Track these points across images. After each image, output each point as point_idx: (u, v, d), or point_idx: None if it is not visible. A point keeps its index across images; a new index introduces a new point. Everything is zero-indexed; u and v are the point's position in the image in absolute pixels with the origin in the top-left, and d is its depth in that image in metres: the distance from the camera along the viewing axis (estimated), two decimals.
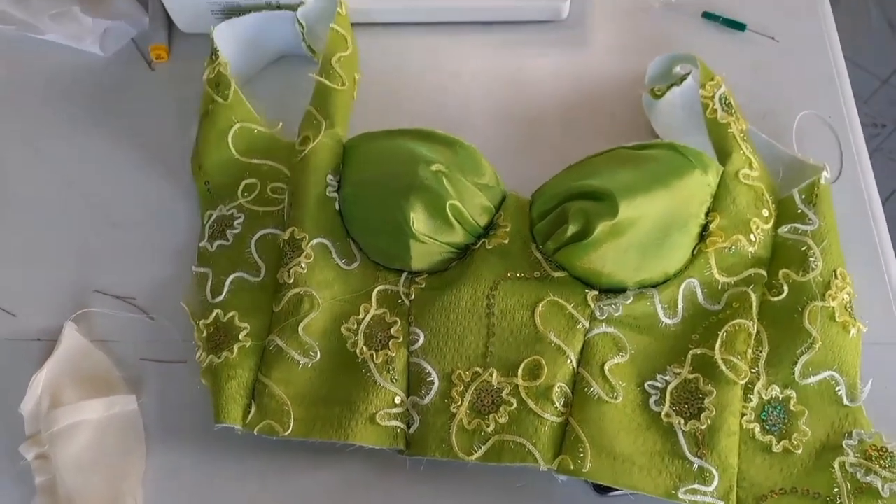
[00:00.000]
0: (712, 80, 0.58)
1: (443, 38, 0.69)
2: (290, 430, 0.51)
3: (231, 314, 0.55)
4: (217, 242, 0.59)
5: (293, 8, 0.64)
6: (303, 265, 0.54)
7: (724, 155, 0.56)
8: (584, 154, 0.57)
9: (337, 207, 0.57)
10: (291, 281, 0.54)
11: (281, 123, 0.63)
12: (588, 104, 0.65)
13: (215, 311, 0.55)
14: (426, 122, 0.58)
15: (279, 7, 0.65)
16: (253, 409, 0.52)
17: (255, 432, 0.51)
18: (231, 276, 0.56)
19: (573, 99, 0.65)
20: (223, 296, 0.56)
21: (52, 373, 0.55)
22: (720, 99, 0.57)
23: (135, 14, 0.71)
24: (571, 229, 0.52)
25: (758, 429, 0.50)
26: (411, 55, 0.68)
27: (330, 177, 0.57)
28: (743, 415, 0.50)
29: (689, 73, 0.61)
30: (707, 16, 0.67)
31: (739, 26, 0.66)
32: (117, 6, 0.71)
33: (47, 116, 0.67)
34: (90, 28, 0.69)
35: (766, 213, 0.54)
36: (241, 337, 0.54)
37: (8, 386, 0.55)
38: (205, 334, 0.55)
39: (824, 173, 0.55)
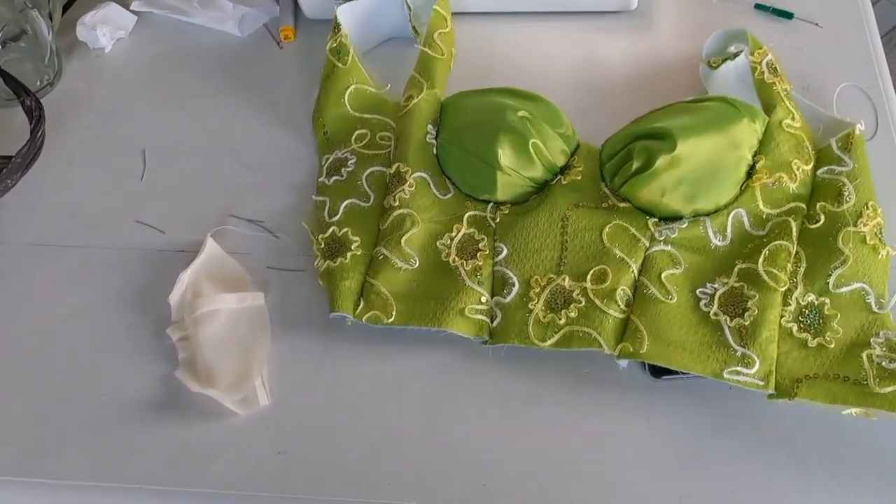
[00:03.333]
0: (760, 48, 0.68)
1: (526, 25, 0.81)
2: (392, 319, 0.60)
3: (345, 230, 0.65)
4: (333, 178, 0.70)
5: None
6: (406, 191, 0.65)
7: (769, 108, 0.65)
8: None
9: (434, 152, 0.68)
10: (396, 204, 0.65)
11: (389, 85, 0.74)
12: (652, 77, 0.75)
13: (331, 228, 0.66)
14: None
15: None
16: (362, 304, 0.62)
17: (363, 321, 0.61)
18: (345, 202, 0.67)
19: (640, 74, 0.76)
20: (338, 216, 0.67)
21: (196, 272, 0.66)
22: (767, 64, 0.67)
23: (267, 2, 0.84)
24: (636, 164, 0.61)
25: (795, 327, 0.57)
26: (499, 40, 0.80)
27: (430, 126, 0.68)
28: (782, 316, 0.57)
29: (741, 52, 0.71)
30: (759, 7, 0.78)
31: (787, 15, 0.76)
32: None
33: (195, 83, 0.80)
34: (231, 13, 0.83)
35: (806, 156, 0.63)
36: (353, 248, 0.64)
37: (156, 285, 0.66)
38: (322, 245, 0.65)
39: (859, 126, 0.64)
